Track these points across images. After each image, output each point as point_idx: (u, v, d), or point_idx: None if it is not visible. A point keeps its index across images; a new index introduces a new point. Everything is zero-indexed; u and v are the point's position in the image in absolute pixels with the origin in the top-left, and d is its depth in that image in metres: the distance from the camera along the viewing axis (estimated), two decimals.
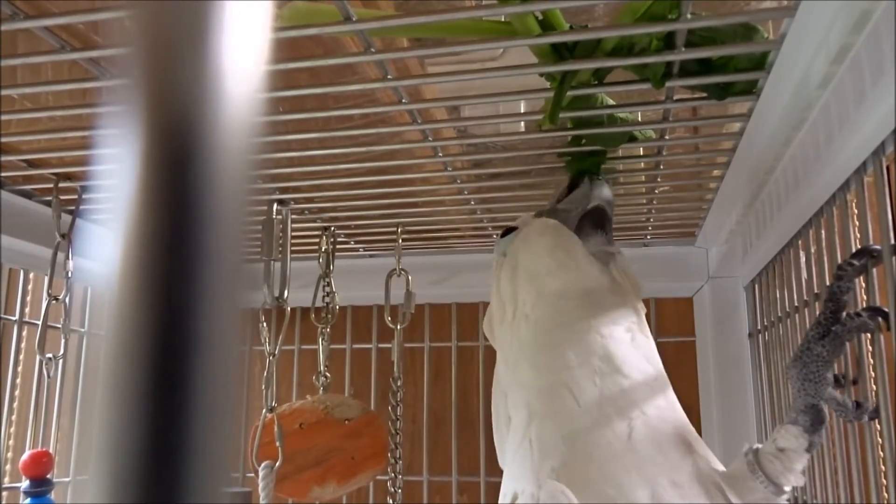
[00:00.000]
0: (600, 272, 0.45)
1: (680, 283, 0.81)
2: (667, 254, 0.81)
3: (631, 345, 0.44)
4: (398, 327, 0.73)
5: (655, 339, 0.83)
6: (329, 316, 0.75)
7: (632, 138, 0.50)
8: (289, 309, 0.64)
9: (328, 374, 0.74)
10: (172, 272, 0.12)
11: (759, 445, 0.41)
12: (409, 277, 0.74)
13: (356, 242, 0.82)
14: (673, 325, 0.88)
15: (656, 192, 0.62)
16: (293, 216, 0.67)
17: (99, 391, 0.12)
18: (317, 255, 0.74)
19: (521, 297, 0.47)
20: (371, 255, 0.88)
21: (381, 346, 0.90)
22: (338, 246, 0.77)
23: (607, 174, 0.55)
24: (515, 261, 0.48)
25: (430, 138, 0.50)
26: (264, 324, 0.66)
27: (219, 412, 0.12)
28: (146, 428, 0.12)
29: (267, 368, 0.64)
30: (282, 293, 0.64)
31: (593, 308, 0.44)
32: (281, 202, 0.64)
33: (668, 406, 0.42)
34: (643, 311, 0.47)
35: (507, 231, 0.50)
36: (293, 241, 0.70)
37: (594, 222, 0.47)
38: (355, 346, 0.93)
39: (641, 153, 0.55)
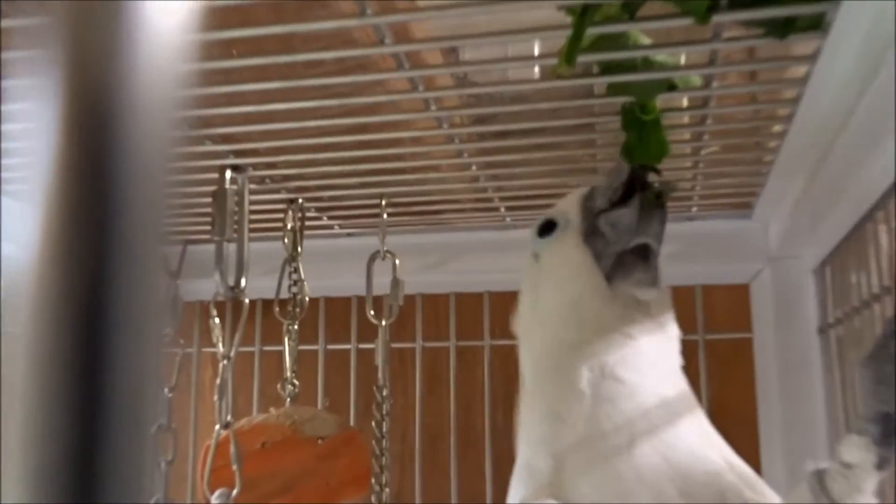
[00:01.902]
0: (622, 330, 0.47)
1: (733, 267, 0.82)
2: (717, 230, 0.81)
3: (651, 368, 0.48)
4: (383, 323, 0.74)
5: (703, 336, 0.85)
6: (297, 310, 0.75)
7: (671, 87, 0.50)
8: (247, 301, 0.65)
9: (296, 382, 0.75)
10: (83, 255, 0.13)
11: (828, 464, 0.42)
12: (397, 261, 0.74)
13: (330, 218, 0.82)
14: (725, 319, 0.89)
15: (703, 153, 0.62)
16: (251, 186, 0.68)
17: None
18: (281, 234, 0.75)
19: (534, 326, 0.52)
20: (349, 234, 0.88)
21: (361, 346, 0.91)
22: (307, 223, 0.77)
23: None
24: (541, 276, 0.51)
25: (421, 88, 0.50)
26: (216, 320, 0.66)
27: (134, 415, 0.13)
28: (59, 428, 0.12)
29: (220, 375, 0.65)
30: (238, 281, 0.64)
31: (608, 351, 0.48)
32: (236, 168, 0.64)
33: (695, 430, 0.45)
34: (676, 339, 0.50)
35: (547, 226, 0.52)
36: (252, 216, 0.71)
37: (636, 254, 0.49)
38: (330, 346, 0.94)
39: (685, 105, 0.56)
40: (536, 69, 0.55)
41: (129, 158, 0.13)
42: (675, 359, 0.50)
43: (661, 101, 0.55)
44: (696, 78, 0.50)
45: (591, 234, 0.49)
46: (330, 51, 0.46)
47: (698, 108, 0.54)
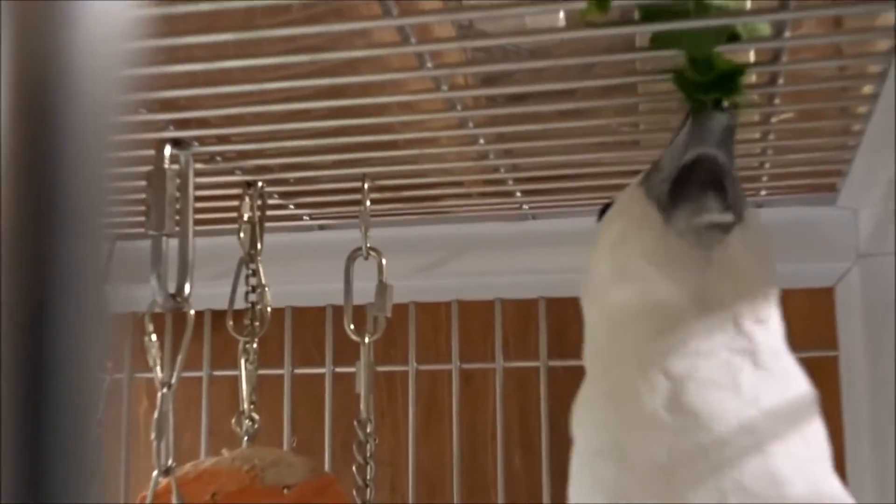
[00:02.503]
0: (680, 280, 0.47)
1: (812, 266, 0.82)
2: (791, 219, 0.82)
3: (732, 387, 0.45)
4: (366, 340, 0.74)
5: None
6: (256, 323, 0.76)
7: (733, 37, 0.50)
8: (192, 312, 0.65)
9: (256, 416, 0.75)
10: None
11: None
12: (383, 261, 0.75)
13: (298, 206, 0.82)
14: (803, 332, 0.89)
15: (773, 121, 0.63)
16: (198, 165, 0.68)
17: None
18: (236, 226, 0.75)
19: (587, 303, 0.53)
20: (321, 227, 0.88)
21: (339, 369, 0.91)
22: (269, 212, 0.78)
23: None
24: (598, 234, 0.54)
25: (414, 40, 0.51)
26: (153, 337, 0.67)
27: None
28: None
29: (159, 407, 0.65)
30: (181, 287, 0.64)
31: (665, 334, 0.46)
32: (177, 143, 0.64)
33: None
34: (771, 312, 0.49)
35: (607, 206, 0.54)
36: (199, 204, 0.71)
37: (702, 182, 0.48)
38: (299, 370, 0.94)
39: (752, 59, 0.56)
40: (561, 15, 0.55)
41: (68, 146, 0.13)
42: (776, 333, 0.49)
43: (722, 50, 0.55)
44: (764, 26, 0.51)
45: (653, 175, 0.50)
46: None
47: (767, 63, 0.54)
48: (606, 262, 0.50)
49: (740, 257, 0.48)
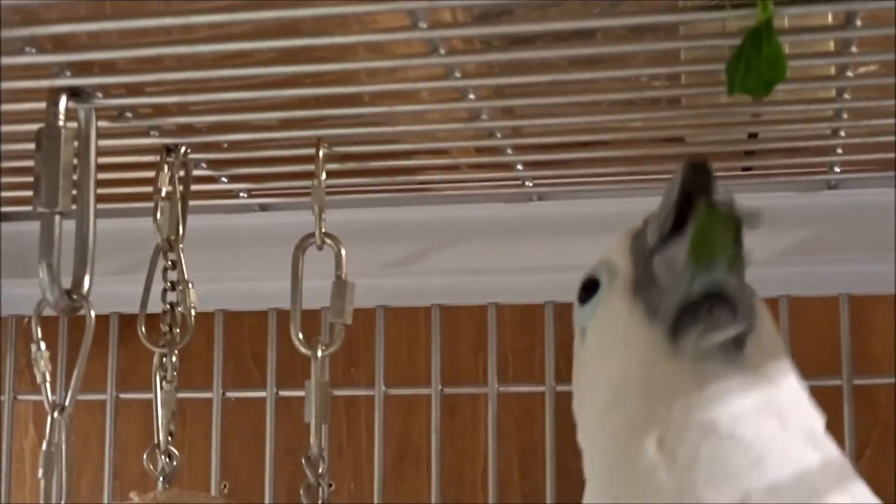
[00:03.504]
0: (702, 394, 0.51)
1: None
2: (872, 204, 0.82)
3: None
4: (319, 354, 0.74)
5: (849, 379, 0.86)
6: (176, 331, 0.76)
7: None
8: (93, 315, 0.65)
9: (175, 452, 0.75)
10: None
11: None
12: (343, 251, 0.75)
13: (232, 179, 0.82)
14: (886, 350, 0.90)
15: (850, 75, 0.63)
16: (103, 124, 0.68)
17: None
18: (151, 204, 0.75)
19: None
20: (263, 207, 0.88)
21: (284, 393, 0.91)
22: (195, 186, 0.78)
23: None
24: (587, 355, 0.57)
25: None
26: (43, 347, 0.67)
27: None
28: None
29: (48, 437, 0.65)
30: (79, 282, 0.64)
31: None
32: (76, 94, 0.64)
33: None
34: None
35: (589, 286, 0.57)
36: (103, 176, 0.71)
37: (711, 305, 0.51)
38: (233, 392, 0.94)
39: None
40: None
41: None
42: (806, 418, 0.52)
43: None
44: None
45: (646, 283, 0.53)
46: None
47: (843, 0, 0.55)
48: (606, 393, 0.54)
49: (761, 361, 0.52)
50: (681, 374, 0.51)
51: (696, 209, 0.49)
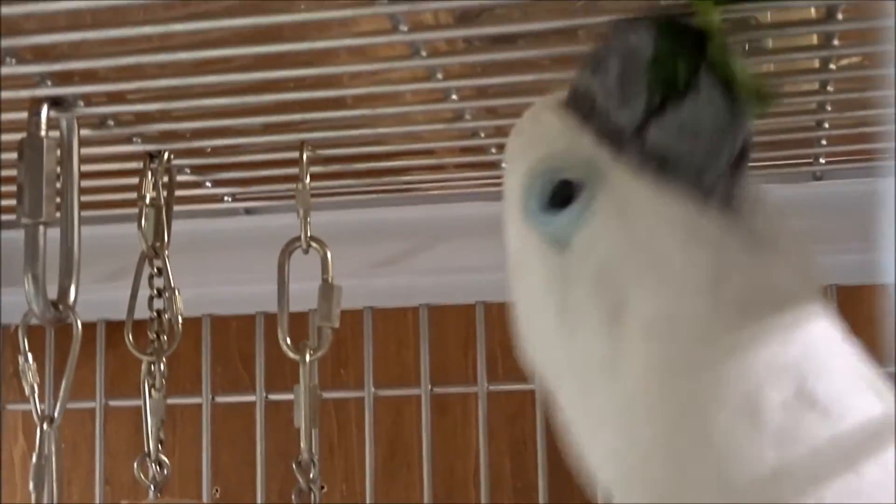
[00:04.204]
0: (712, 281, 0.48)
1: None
2: (859, 194, 0.82)
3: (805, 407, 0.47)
4: (307, 358, 0.74)
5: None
6: (164, 338, 0.76)
7: None
8: (79, 325, 0.65)
9: (165, 459, 0.75)
10: None
11: None
12: (329, 254, 0.75)
13: (216, 184, 0.82)
14: (878, 338, 0.90)
15: (833, 67, 0.63)
16: (85, 132, 0.68)
17: None
18: (135, 211, 0.75)
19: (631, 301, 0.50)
20: (248, 210, 0.88)
21: (274, 396, 0.91)
22: (180, 192, 0.78)
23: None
24: (586, 273, 0.50)
25: None
26: (30, 360, 0.67)
27: None
28: None
29: (38, 448, 0.65)
30: (65, 292, 0.64)
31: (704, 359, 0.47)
32: (58, 103, 0.64)
33: None
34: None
35: (561, 190, 0.50)
36: (87, 183, 0.71)
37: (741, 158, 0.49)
38: (222, 398, 0.94)
39: None
40: None
41: None
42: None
43: None
44: None
45: (650, 164, 0.49)
46: None
47: None
48: (651, 291, 0.49)
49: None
50: (753, 267, 0.47)
51: (715, 53, 0.47)
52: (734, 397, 0.46)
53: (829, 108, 0.69)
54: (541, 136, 0.51)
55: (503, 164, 0.52)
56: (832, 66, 0.63)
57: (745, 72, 0.47)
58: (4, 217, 0.78)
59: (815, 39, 0.62)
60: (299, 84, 0.64)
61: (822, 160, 0.80)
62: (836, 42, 0.60)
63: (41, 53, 0.60)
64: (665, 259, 0.48)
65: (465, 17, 0.61)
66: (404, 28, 0.57)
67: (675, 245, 0.48)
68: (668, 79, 0.48)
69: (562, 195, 0.50)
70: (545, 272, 0.51)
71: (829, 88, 0.66)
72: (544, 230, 0.51)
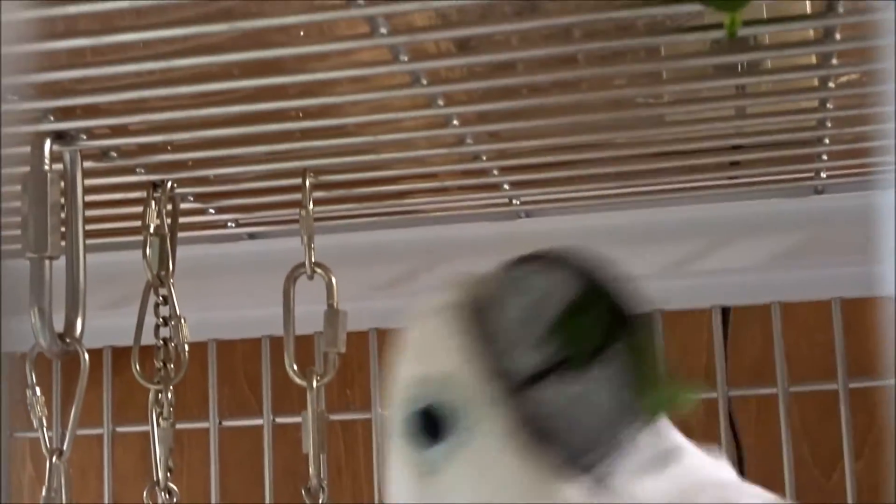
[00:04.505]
0: None
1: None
2: (861, 207, 0.82)
3: None
4: (314, 384, 0.74)
5: (845, 383, 0.86)
6: (170, 366, 0.76)
7: None
8: (86, 358, 0.65)
9: (174, 488, 0.75)
10: None
11: None
12: (333, 280, 0.75)
13: (220, 210, 0.82)
14: (870, 349, 0.90)
15: (832, 85, 0.64)
16: (89, 164, 0.68)
17: None
18: (139, 239, 0.75)
19: None
20: (252, 235, 0.88)
21: (281, 420, 0.91)
22: (184, 219, 0.78)
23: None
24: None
25: (361, 1, 0.51)
26: (37, 393, 0.67)
27: None
28: None
29: (48, 482, 0.65)
30: (71, 325, 0.64)
31: None
32: (61, 137, 0.65)
33: None
34: None
35: (430, 424, 0.47)
36: (91, 213, 0.71)
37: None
38: (229, 422, 0.94)
39: (808, 9, 0.57)
40: None
41: None
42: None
43: (769, 6, 0.56)
44: None
45: (538, 427, 0.45)
46: None
47: (820, 16, 0.55)
48: None
49: None
50: None
51: (638, 337, 0.43)
52: None
53: (828, 125, 0.70)
54: (429, 350, 0.48)
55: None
56: (831, 84, 0.64)
57: (658, 369, 0.44)
58: (6, 247, 0.78)
59: (814, 59, 0.63)
60: (302, 114, 0.64)
61: (823, 174, 0.80)
62: (834, 61, 0.60)
63: (46, 90, 0.61)
64: None
65: (463, 45, 0.62)
66: (405, 58, 0.57)
67: None
68: (578, 339, 0.44)
69: (428, 428, 0.46)
70: (417, 490, 0.48)
71: (829, 105, 0.67)
72: (415, 453, 0.47)
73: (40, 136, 0.63)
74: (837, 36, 0.57)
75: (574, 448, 0.44)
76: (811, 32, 0.60)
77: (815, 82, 0.64)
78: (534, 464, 0.44)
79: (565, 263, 0.45)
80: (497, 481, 0.45)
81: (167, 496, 0.75)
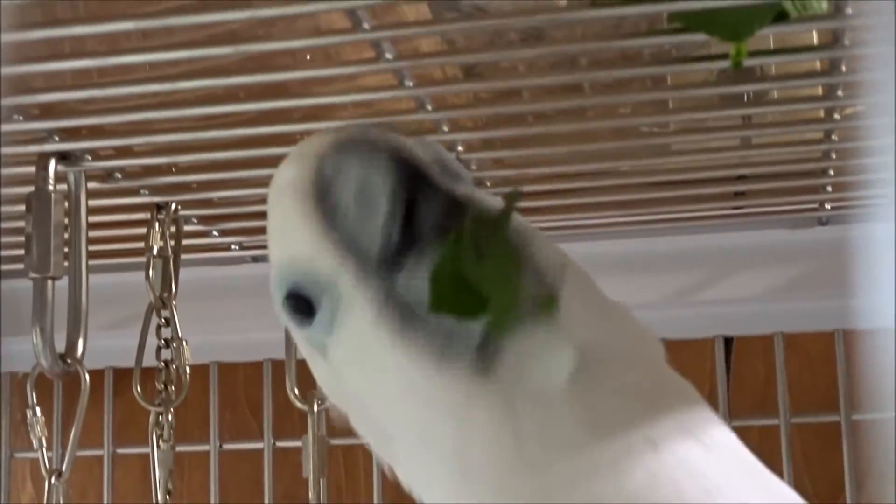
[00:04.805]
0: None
1: None
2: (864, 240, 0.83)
3: None
4: (315, 408, 0.74)
5: (846, 414, 0.85)
6: (171, 388, 0.76)
7: (780, 16, 0.51)
8: (87, 379, 0.65)
9: None
10: None
11: None
12: None
13: (224, 233, 0.82)
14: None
15: (837, 117, 0.64)
16: (93, 185, 0.68)
17: None
18: (143, 261, 0.75)
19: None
20: (255, 258, 0.88)
21: (282, 444, 0.91)
22: (188, 241, 0.78)
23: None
24: (351, 388, 0.48)
25: (369, 25, 0.51)
26: (38, 414, 0.67)
27: None
28: None
29: (47, 496, 0.65)
30: (72, 346, 0.64)
31: None
32: (65, 158, 0.65)
33: None
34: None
35: (295, 304, 0.46)
36: (95, 234, 0.71)
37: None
38: (230, 445, 0.94)
39: (815, 41, 0.57)
40: None
41: None
42: None
43: (775, 37, 0.56)
44: (819, 1, 0.51)
45: (402, 310, 0.44)
46: None
47: (827, 47, 0.55)
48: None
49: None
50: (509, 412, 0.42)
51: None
52: None
53: (833, 156, 0.70)
54: (286, 232, 0.47)
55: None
56: (836, 116, 0.64)
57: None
58: (7, 267, 0.78)
59: (819, 90, 0.63)
60: (306, 137, 0.64)
61: (827, 206, 0.80)
62: (840, 92, 0.60)
63: (48, 110, 0.61)
64: (406, 425, 0.45)
65: (469, 72, 0.62)
66: (410, 83, 0.57)
67: (413, 414, 0.44)
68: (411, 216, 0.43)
69: (294, 307, 0.46)
70: (319, 367, 0.48)
71: (834, 137, 0.67)
72: (301, 332, 0.47)
73: (45, 157, 0.63)
74: (843, 68, 0.57)
75: (446, 329, 0.43)
76: (817, 64, 0.60)
77: (821, 113, 0.65)
78: (408, 344, 0.43)
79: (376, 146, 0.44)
80: (375, 362, 0.44)
81: None
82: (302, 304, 0.45)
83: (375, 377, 0.45)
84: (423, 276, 0.43)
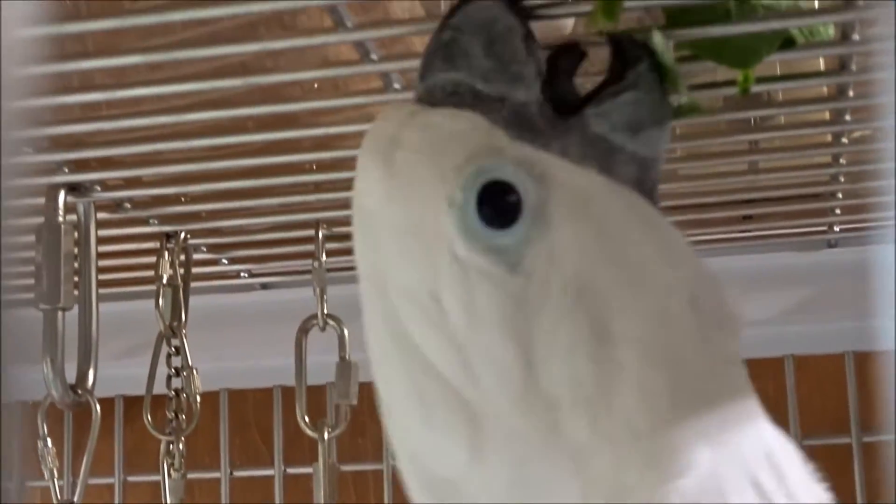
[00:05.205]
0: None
1: None
2: (872, 262, 0.83)
3: None
4: (326, 436, 0.74)
5: (858, 437, 0.85)
6: (182, 417, 0.76)
7: (787, 42, 0.51)
8: (98, 410, 0.65)
9: None
10: None
11: None
12: (346, 332, 0.75)
13: (233, 261, 0.82)
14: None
15: (845, 141, 0.64)
16: (102, 216, 0.68)
17: None
18: (153, 289, 0.76)
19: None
20: (264, 286, 0.88)
21: (292, 470, 0.91)
22: (197, 269, 0.78)
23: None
24: (566, 277, 0.42)
25: (376, 56, 0.51)
26: (49, 443, 0.67)
27: None
28: None
29: None
30: (83, 377, 0.64)
31: None
32: (75, 189, 0.65)
33: None
34: None
35: (496, 197, 0.42)
36: (105, 264, 0.71)
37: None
38: (240, 472, 0.94)
39: (822, 67, 0.57)
40: (568, 22, 0.56)
41: None
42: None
43: (782, 63, 0.56)
44: (826, 28, 0.51)
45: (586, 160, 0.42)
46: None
47: (835, 73, 0.55)
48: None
49: None
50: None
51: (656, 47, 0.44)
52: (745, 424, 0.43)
53: (842, 179, 0.70)
54: (451, 133, 0.42)
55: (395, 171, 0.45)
56: (844, 140, 0.64)
57: (676, 72, 0.45)
58: (19, 296, 0.78)
59: (827, 115, 0.63)
60: (315, 166, 0.64)
61: (836, 228, 0.80)
62: (847, 117, 0.61)
63: (60, 142, 0.61)
64: (646, 269, 0.42)
65: None
66: None
67: (654, 252, 0.42)
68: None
69: (499, 205, 0.41)
70: (494, 302, 0.42)
71: (842, 160, 0.67)
72: (487, 250, 0.41)
73: (55, 188, 0.64)
74: (850, 93, 0.57)
75: (638, 163, 0.43)
76: (825, 89, 0.60)
77: (829, 138, 0.65)
78: (621, 189, 0.42)
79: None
80: (606, 224, 0.42)
81: None
82: (499, 207, 0.41)
83: (609, 237, 0.42)
84: (623, 102, 0.42)
